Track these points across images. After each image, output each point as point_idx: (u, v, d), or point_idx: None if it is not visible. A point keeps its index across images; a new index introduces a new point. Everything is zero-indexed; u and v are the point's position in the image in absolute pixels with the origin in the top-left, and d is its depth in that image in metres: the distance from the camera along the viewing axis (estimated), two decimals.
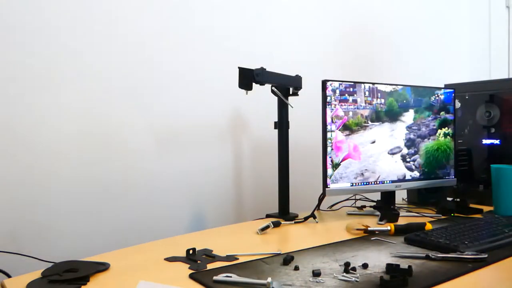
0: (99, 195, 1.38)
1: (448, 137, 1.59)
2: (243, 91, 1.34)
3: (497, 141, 1.66)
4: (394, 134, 1.48)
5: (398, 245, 1.09)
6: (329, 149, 1.36)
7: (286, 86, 1.46)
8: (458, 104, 1.74)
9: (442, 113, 1.58)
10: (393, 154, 1.48)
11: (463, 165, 1.69)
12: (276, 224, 1.30)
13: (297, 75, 1.48)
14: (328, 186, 1.36)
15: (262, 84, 1.36)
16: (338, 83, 1.37)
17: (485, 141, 1.68)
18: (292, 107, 1.47)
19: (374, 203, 1.54)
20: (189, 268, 0.93)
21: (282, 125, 1.46)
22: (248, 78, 1.33)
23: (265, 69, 1.35)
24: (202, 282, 0.84)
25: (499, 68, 2.31)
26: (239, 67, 1.34)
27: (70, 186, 1.33)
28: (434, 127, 1.56)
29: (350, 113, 1.40)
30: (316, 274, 0.87)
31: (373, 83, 1.44)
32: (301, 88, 1.49)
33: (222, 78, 1.63)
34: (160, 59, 1.51)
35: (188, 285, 0.84)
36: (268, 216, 1.47)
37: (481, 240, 1.06)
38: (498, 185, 1.42)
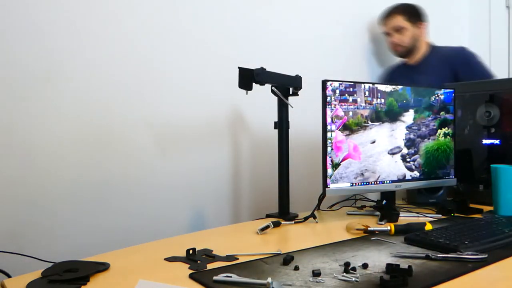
0: (99, 195, 1.38)
1: (448, 137, 1.59)
2: (243, 91, 1.34)
3: (497, 141, 1.66)
4: (394, 134, 1.48)
5: (398, 245, 1.09)
6: (329, 149, 1.36)
7: (286, 86, 1.46)
8: (458, 104, 1.73)
9: (442, 113, 1.58)
10: (393, 154, 1.48)
11: (463, 165, 1.69)
12: (276, 224, 1.30)
13: (297, 75, 1.48)
14: (328, 186, 1.36)
15: (262, 84, 1.36)
16: (338, 83, 1.37)
17: (485, 141, 1.68)
18: (292, 107, 1.46)
19: (374, 203, 1.54)
20: (189, 268, 0.93)
21: (282, 125, 1.46)
22: (248, 78, 1.33)
23: (265, 69, 1.35)
24: (202, 282, 0.84)
25: (499, 68, 2.30)
26: (239, 67, 1.34)
27: (70, 186, 1.33)
28: (434, 127, 1.56)
29: (350, 113, 1.40)
30: (316, 274, 0.87)
31: (373, 83, 1.44)
32: (301, 88, 1.48)
33: (222, 78, 1.63)
34: (160, 59, 1.51)
35: (188, 285, 0.84)
36: (268, 216, 1.47)
37: (481, 240, 1.06)
38: (498, 185, 1.42)
